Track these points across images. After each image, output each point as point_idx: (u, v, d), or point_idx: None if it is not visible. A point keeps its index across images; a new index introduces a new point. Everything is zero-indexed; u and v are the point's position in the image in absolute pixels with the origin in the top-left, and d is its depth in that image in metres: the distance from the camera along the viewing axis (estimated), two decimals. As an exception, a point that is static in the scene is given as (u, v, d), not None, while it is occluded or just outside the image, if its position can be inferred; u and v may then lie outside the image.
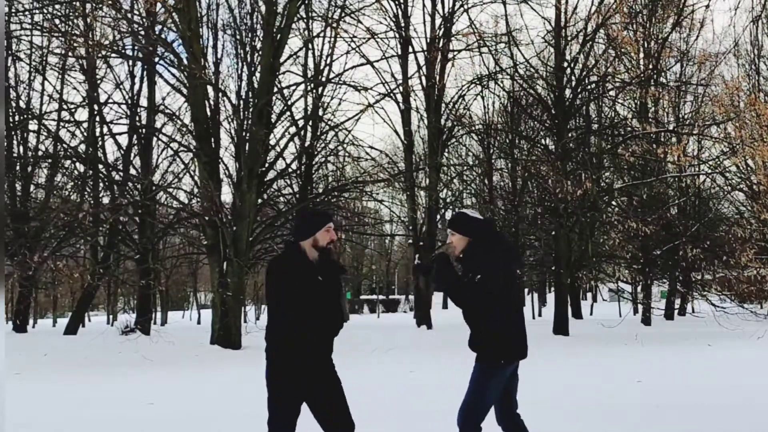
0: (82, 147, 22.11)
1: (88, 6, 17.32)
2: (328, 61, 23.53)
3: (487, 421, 4.27)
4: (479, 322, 4.16)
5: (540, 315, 38.56)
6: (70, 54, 19.24)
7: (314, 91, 22.40)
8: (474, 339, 4.20)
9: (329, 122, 22.22)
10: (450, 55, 24.98)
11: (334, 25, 20.26)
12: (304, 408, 3.88)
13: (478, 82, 25.64)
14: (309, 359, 3.78)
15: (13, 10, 17.53)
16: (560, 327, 19.73)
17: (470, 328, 4.24)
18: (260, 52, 17.24)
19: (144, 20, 17.42)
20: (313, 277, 3.80)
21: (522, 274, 29.59)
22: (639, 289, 26.98)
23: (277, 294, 3.81)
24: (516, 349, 4.18)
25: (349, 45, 22.32)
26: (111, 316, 40.80)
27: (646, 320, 24.10)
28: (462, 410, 4.13)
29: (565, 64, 20.78)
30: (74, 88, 23.87)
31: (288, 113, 20.35)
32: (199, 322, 42.17)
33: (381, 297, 61.93)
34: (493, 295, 4.07)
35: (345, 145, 22.09)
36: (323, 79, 22.71)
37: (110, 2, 15.64)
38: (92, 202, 22.12)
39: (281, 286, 3.78)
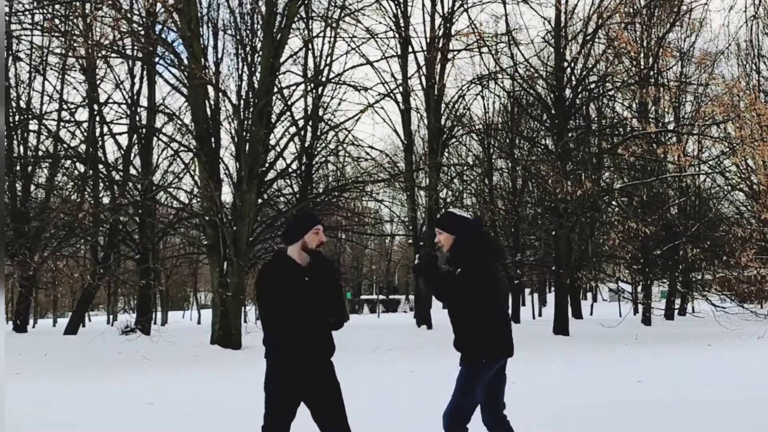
0: (82, 147, 22.09)
1: (88, 6, 17.31)
2: (328, 61, 23.53)
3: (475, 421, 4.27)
4: (463, 322, 4.18)
5: (540, 315, 38.55)
6: (70, 54, 19.19)
7: (314, 91, 22.39)
8: (459, 340, 4.21)
9: (329, 122, 22.25)
10: (450, 55, 24.89)
11: (334, 25, 20.23)
12: (303, 410, 3.88)
13: (478, 82, 25.57)
14: (304, 363, 3.79)
15: (13, 10, 17.53)
16: (560, 327, 19.73)
17: (454, 329, 4.25)
18: (260, 52, 17.25)
19: (144, 20, 17.43)
20: (300, 280, 3.82)
21: (522, 274, 29.66)
22: (639, 289, 26.96)
23: (266, 302, 3.84)
24: (500, 348, 4.18)
25: (349, 45, 22.31)
26: (111, 316, 40.85)
27: (646, 320, 24.09)
28: (448, 411, 4.13)
29: (565, 64, 20.78)
30: (74, 88, 23.91)
31: (288, 113, 20.35)
32: (199, 322, 42.19)
33: (381, 297, 61.89)
34: (476, 294, 4.07)
35: (345, 145, 22.12)
36: (323, 79, 22.70)
37: (110, 2, 15.63)
38: (92, 202, 22.12)
39: (269, 294, 3.82)
